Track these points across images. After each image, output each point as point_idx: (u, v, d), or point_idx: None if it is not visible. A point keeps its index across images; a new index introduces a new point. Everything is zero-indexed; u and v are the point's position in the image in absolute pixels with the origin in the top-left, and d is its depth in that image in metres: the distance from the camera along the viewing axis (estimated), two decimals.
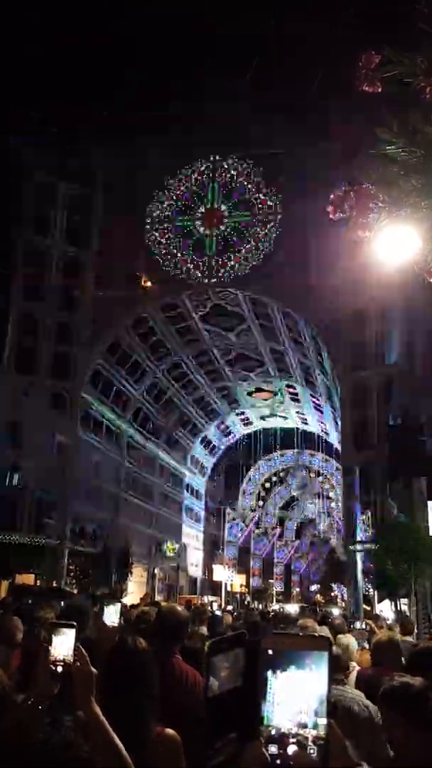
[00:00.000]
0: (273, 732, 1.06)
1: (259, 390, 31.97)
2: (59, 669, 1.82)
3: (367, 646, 6.96)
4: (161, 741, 2.31)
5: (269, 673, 1.09)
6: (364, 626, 8.98)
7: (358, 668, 6.16)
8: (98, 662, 1.96)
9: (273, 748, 1.06)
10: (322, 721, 1.06)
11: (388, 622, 10.81)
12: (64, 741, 1.46)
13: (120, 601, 6.88)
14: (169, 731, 2.37)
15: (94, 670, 1.82)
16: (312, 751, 1.05)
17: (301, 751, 1.05)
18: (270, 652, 1.09)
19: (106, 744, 1.78)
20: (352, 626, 9.22)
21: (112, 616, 4.25)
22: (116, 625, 4.26)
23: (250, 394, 32.43)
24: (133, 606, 14.07)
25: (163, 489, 31.91)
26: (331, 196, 3.02)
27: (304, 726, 1.06)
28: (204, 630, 8.49)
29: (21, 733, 1.39)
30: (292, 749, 1.06)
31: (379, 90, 2.84)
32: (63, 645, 1.84)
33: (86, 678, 1.79)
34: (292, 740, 1.05)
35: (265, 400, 33.12)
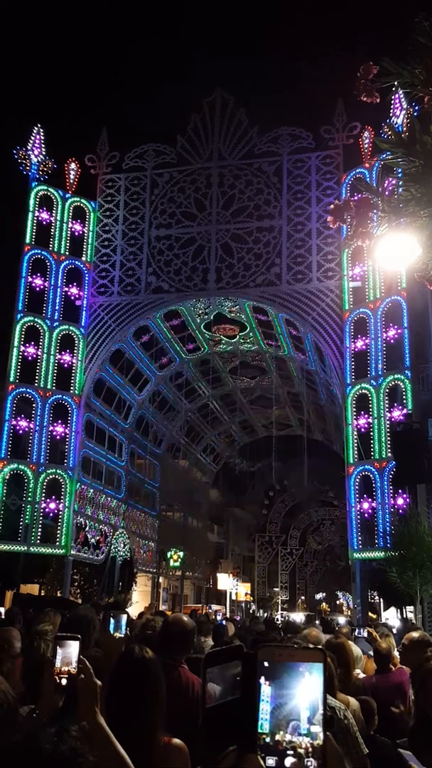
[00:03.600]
0: (268, 740, 1.08)
1: (261, 398, 31.96)
2: (64, 681, 1.82)
3: (371, 654, 6.95)
4: (169, 750, 2.31)
5: (265, 683, 1.11)
6: (365, 634, 8.97)
7: (363, 676, 6.16)
8: (104, 674, 1.96)
9: (271, 761, 1.07)
10: (316, 729, 1.07)
11: (394, 631, 10.76)
12: (71, 750, 1.46)
13: (126, 612, 6.87)
14: (177, 741, 2.37)
15: (98, 682, 1.83)
16: (309, 763, 1.06)
17: (299, 763, 1.06)
18: (266, 663, 1.11)
19: (110, 755, 1.78)
20: (353, 634, 9.21)
21: (119, 627, 4.25)
22: (123, 636, 4.26)
23: (252, 402, 32.42)
24: (139, 615, 14.04)
25: (166, 498, 31.86)
26: (331, 206, 3.04)
27: (299, 734, 1.08)
28: (210, 641, 8.47)
29: (28, 744, 1.40)
30: (289, 761, 1.07)
31: (378, 100, 2.86)
32: (68, 657, 1.85)
33: (91, 690, 1.80)
34: (289, 751, 1.07)
35: (268, 408, 33.08)
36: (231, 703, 1.19)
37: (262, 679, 1.10)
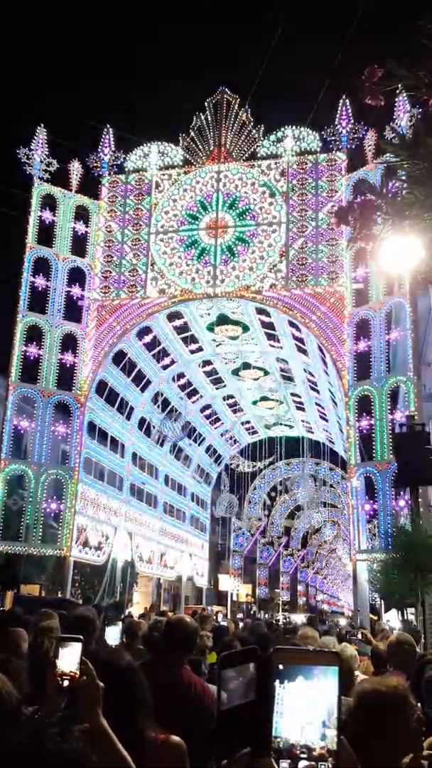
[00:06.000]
0: (282, 744, 1.08)
1: (264, 399, 31.97)
2: (65, 683, 1.83)
3: (369, 654, 6.97)
4: (165, 747, 2.32)
5: (279, 686, 1.10)
6: (360, 636, 9.00)
7: (361, 677, 6.17)
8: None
9: (284, 764, 1.07)
10: (330, 732, 1.07)
11: (395, 632, 10.75)
12: (74, 751, 1.47)
13: (121, 620, 6.83)
14: (174, 738, 2.38)
15: (100, 683, 1.83)
16: (323, 766, 1.06)
17: (313, 767, 1.06)
18: (281, 666, 1.10)
19: (113, 756, 1.79)
20: (348, 635, 9.24)
21: (114, 635, 4.22)
22: (118, 644, 4.23)
23: (255, 403, 32.42)
24: (141, 616, 14.04)
25: (167, 498, 31.87)
26: (335, 209, 3.04)
27: (313, 738, 1.07)
28: (208, 634, 8.48)
29: (32, 744, 1.41)
30: (302, 765, 1.06)
31: (382, 103, 2.86)
32: (69, 658, 1.86)
33: (93, 692, 1.80)
34: (302, 755, 1.06)
35: (270, 408, 33.09)
36: (245, 705, 1.18)
37: (277, 682, 1.09)
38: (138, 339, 24.09)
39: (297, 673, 1.09)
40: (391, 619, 19.34)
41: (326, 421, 30.33)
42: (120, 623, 4.99)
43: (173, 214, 23.26)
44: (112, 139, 24.20)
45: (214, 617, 18.22)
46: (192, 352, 26.78)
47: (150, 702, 2.35)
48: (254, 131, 22.91)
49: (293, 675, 1.10)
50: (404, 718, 2.39)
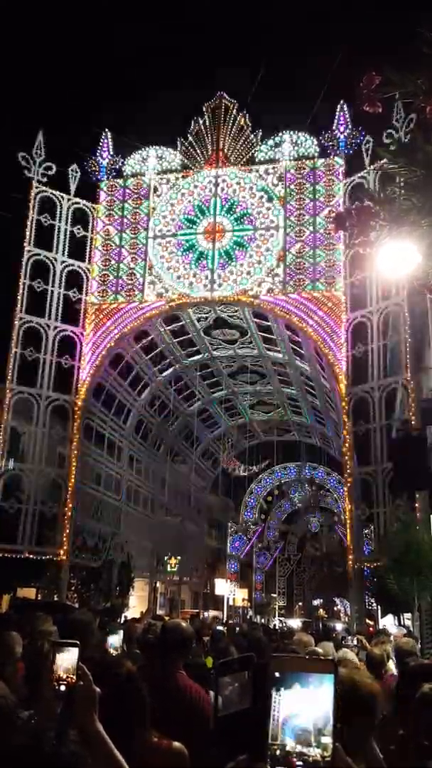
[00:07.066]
0: (278, 751, 1.08)
1: (261, 403, 31.96)
2: (62, 688, 1.83)
3: (364, 659, 6.97)
4: (167, 753, 2.32)
5: (276, 693, 1.10)
6: (355, 642, 8.99)
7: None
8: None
9: None
10: (326, 740, 1.07)
11: (392, 638, 10.74)
12: (71, 754, 1.47)
13: (122, 627, 6.81)
14: (176, 744, 2.38)
15: (97, 689, 1.83)
16: None
17: None
18: (277, 674, 1.11)
19: (108, 760, 1.79)
20: (343, 641, 9.23)
21: (115, 642, 4.21)
22: (119, 651, 4.22)
23: (252, 406, 32.41)
24: (136, 620, 14.00)
25: (164, 502, 31.83)
26: (333, 214, 3.05)
27: (308, 745, 1.08)
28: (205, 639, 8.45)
29: (31, 745, 1.41)
30: None
31: (380, 110, 2.87)
32: (66, 663, 1.86)
33: (89, 697, 1.80)
34: (299, 762, 1.06)
35: (267, 412, 33.08)
36: (241, 712, 1.19)
37: (273, 690, 1.09)
38: (135, 342, 24.09)
39: (293, 681, 1.09)
40: (388, 624, 19.33)
41: (323, 425, 30.34)
42: (121, 632, 4.96)
43: (171, 219, 23.29)
44: (110, 143, 24.24)
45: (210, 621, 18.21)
46: (189, 355, 26.79)
47: (148, 709, 2.35)
48: (252, 136, 22.96)
49: (290, 682, 1.10)
50: (369, 717, 2.41)
